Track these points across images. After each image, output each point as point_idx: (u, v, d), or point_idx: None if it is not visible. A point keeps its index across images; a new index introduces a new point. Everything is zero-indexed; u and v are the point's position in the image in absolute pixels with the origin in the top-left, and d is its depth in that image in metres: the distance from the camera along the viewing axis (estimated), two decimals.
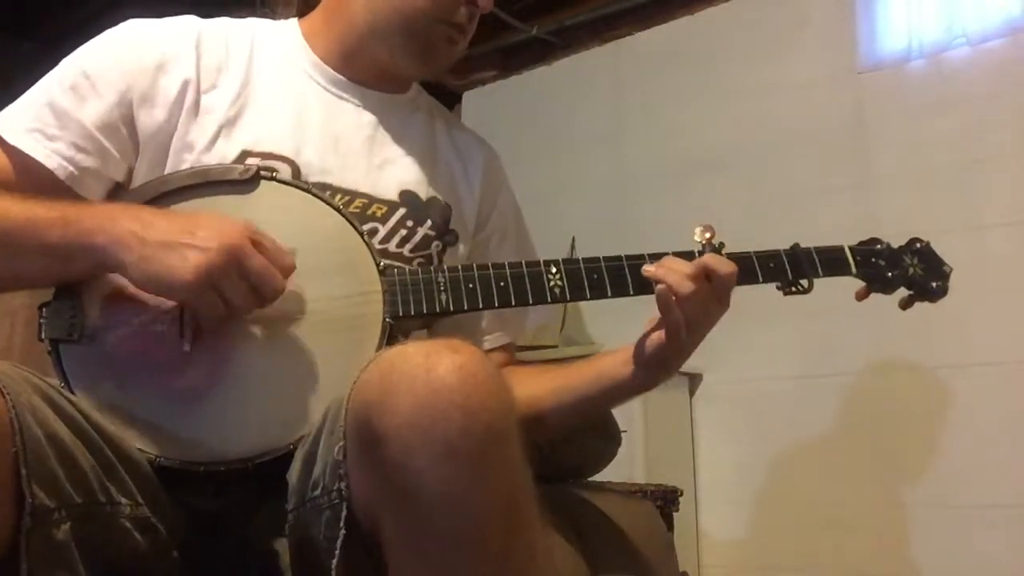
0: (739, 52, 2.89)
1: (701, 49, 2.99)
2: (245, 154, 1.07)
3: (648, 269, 1.06)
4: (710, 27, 2.99)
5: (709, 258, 1.05)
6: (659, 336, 1.06)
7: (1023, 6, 2.38)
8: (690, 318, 1.03)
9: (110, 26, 1.11)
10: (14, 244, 0.95)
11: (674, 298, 1.02)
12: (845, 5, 2.68)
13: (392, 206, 1.13)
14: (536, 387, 1.14)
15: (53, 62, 1.10)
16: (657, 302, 1.04)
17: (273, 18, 1.21)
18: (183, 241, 0.89)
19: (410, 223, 1.14)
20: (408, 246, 1.13)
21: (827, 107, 2.68)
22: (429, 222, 1.16)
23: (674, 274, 1.03)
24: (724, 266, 1.04)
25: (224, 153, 1.07)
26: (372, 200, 1.12)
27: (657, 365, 1.09)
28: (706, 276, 1.04)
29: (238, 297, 0.91)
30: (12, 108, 1.06)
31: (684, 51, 3.04)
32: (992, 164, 2.38)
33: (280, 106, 1.12)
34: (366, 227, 1.08)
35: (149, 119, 1.07)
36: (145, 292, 0.94)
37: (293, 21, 1.21)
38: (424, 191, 1.17)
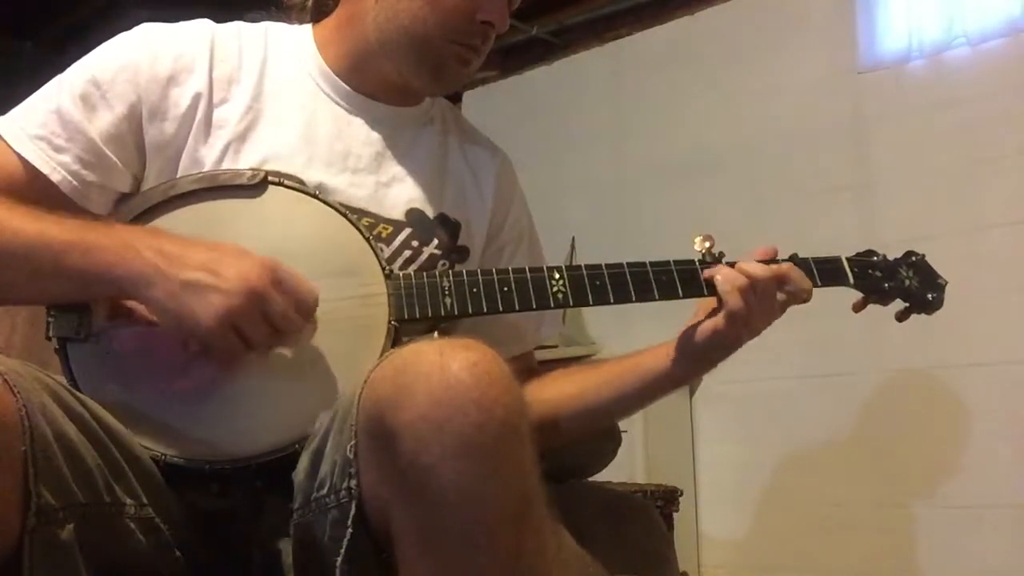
0: (739, 52, 2.90)
1: (701, 49, 3.00)
2: None
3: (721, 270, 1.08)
4: (710, 27, 3.00)
5: (790, 270, 1.08)
6: (709, 325, 1.07)
7: (1023, 6, 2.39)
8: (752, 312, 1.05)
9: (111, 27, 1.10)
10: (32, 267, 0.94)
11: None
12: (845, 5, 2.68)
13: (398, 226, 1.12)
14: (573, 387, 1.16)
15: (54, 63, 1.09)
16: (721, 289, 1.05)
17: (288, 22, 1.19)
18: (206, 283, 0.89)
19: (415, 243, 1.12)
20: (412, 268, 1.11)
21: (827, 107, 2.69)
22: (436, 241, 1.14)
23: (743, 276, 1.06)
24: (804, 282, 1.08)
25: None
26: (378, 220, 1.11)
27: (702, 356, 1.10)
28: (779, 281, 1.07)
29: (258, 339, 0.92)
30: (20, 111, 1.05)
31: (684, 51, 3.04)
32: (992, 164, 2.38)
33: (290, 120, 1.10)
34: None
35: (158, 132, 1.05)
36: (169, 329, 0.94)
37: (307, 27, 1.18)
38: (432, 209, 1.16)
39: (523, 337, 1.25)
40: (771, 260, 1.10)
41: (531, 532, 0.76)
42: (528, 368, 1.26)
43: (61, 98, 1.04)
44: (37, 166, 1.01)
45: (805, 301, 1.09)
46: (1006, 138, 2.37)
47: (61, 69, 1.08)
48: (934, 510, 2.36)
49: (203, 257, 0.91)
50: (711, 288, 1.08)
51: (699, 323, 1.09)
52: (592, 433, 1.21)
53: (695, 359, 1.10)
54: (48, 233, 0.94)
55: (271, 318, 0.91)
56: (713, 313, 1.08)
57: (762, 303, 1.06)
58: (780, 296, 1.08)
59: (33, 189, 1.00)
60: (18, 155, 1.02)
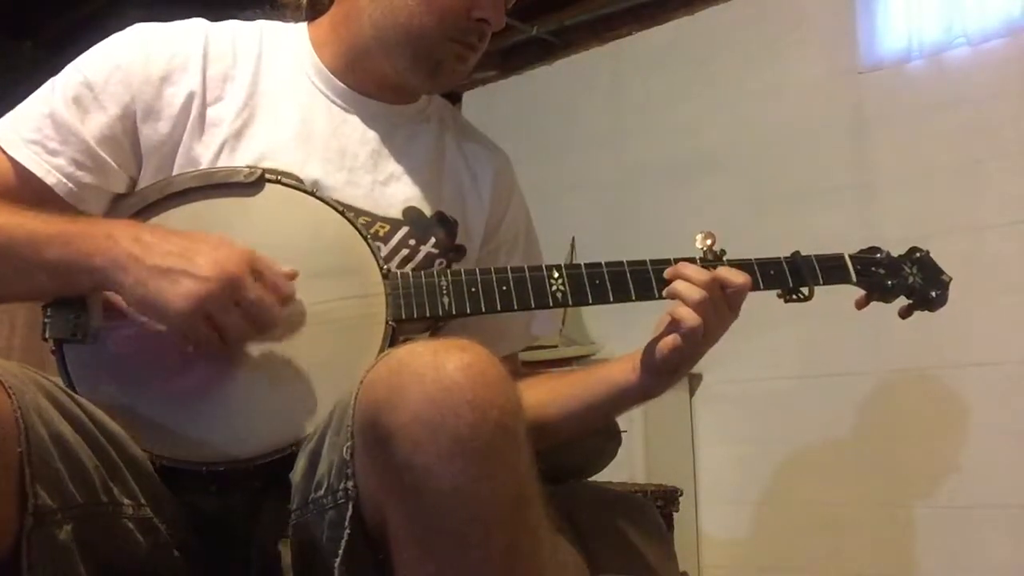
0: (739, 52, 2.90)
1: (701, 49, 3.00)
2: None
3: (667, 273, 1.07)
4: (710, 27, 2.99)
5: (723, 270, 1.06)
6: (669, 341, 1.06)
7: (1023, 6, 2.38)
8: (706, 324, 1.04)
9: (110, 26, 1.09)
10: (13, 260, 0.94)
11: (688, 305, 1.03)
12: (845, 5, 2.68)
13: (395, 224, 1.12)
14: (541, 396, 1.14)
15: (53, 62, 1.08)
16: (673, 312, 1.05)
17: (283, 21, 1.19)
18: (180, 268, 0.88)
19: (412, 242, 1.12)
20: (410, 266, 1.11)
21: (827, 107, 2.69)
22: (433, 239, 1.14)
23: (685, 283, 1.04)
24: (738, 277, 1.06)
25: None
26: (375, 218, 1.10)
27: (667, 370, 1.09)
28: (720, 287, 1.05)
29: (232, 328, 0.90)
30: (13, 115, 1.05)
31: (684, 51, 3.04)
32: (992, 164, 2.38)
33: (285, 119, 1.10)
34: None
35: (153, 132, 1.05)
36: (140, 315, 0.93)
37: (302, 26, 1.18)
38: (429, 207, 1.15)
39: (512, 338, 1.25)
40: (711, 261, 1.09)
41: (527, 532, 0.76)
42: (514, 370, 1.26)
43: (54, 101, 1.03)
44: (32, 170, 1.01)
45: (743, 295, 1.07)
46: (1006, 138, 2.37)
47: (60, 69, 1.07)
48: (934, 510, 2.36)
49: (179, 245, 0.90)
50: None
51: (660, 338, 1.08)
52: (567, 440, 1.20)
53: (660, 373, 1.09)
54: (30, 227, 0.94)
55: (245, 306, 0.90)
56: (670, 328, 1.07)
57: (716, 313, 1.05)
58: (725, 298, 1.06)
59: (29, 193, 1.00)
60: (12, 160, 1.02)
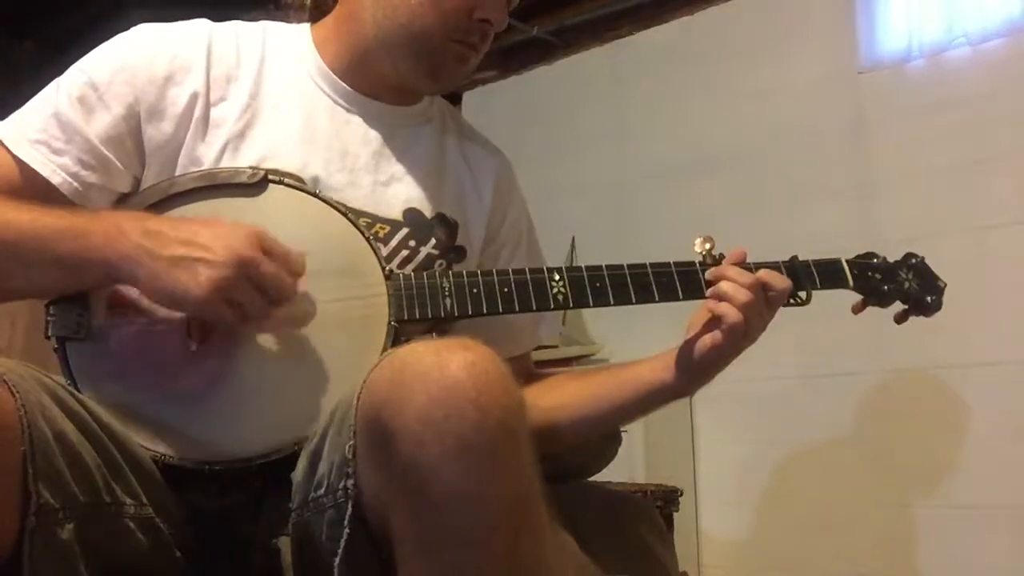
0: (739, 52, 2.90)
1: (701, 49, 2.99)
2: None
3: (710, 275, 1.09)
4: (710, 27, 2.99)
5: (765, 273, 1.08)
6: (709, 339, 1.07)
7: (1023, 6, 2.39)
8: (748, 324, 1.05)
9: (112, 27, 1.10)
10: (23, 256, 0.94)
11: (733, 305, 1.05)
12: (845, 5, 2.68)
13: (395, 225, 1.12)
14: (569, 395, 1.16)
15: (55, 62, 1.09)
16: (715, 309, 1.06)
17: (286, 21, 1.20)
18: (193, 256, 0.89)
19: (412, 243, 1.13)
20: (410, 267, 1.12)
21: (827, 107, 2.68)
22: (433, 240, 1.14)
23: (731, 284, 1.06)
24: (780, 282, 1.08)
25: None
26: (376, 219, 1.11)
27: (702, 369, 1.10)
28: (763, 289, 1.07)
29: (251, 306, 0.91)
30: (19, 115, 1.05)
31: (684, 51, 3.04)
32: (992, 164, 2.38)
33: (288, 119, 1.10)
34: None
35: (156, 132, 1.06)
36: (160, 306, 0.94)
37: (305, 27, 1.19)
38: (430, 208, 1.16)
39: (521, 338, 1.26)
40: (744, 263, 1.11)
41: (529, 532, 0.76)
42: (525, 370, 1.26)
43: (59, 101, 1.04)
44: (37, 169, 1.02)
45: (783, 299, 1.10)
46: (1006, 138, 2.37)
47: (62, 69, 1.08)
48: (934, 510, 2.36)
49: (188, 232, 0.92)
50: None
51: (697, 337, 1.09)
52: (590, 440, 1.20)
53: (696, 372, 1.10)
54: (40, 222, 0.94)
55: (262, 284, 0.91)
56: (708, 327, 1.08)
57: (758, 314, 1.06)
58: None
59: (34, 192, 1.01)
60: (18, 159, 1.02)
